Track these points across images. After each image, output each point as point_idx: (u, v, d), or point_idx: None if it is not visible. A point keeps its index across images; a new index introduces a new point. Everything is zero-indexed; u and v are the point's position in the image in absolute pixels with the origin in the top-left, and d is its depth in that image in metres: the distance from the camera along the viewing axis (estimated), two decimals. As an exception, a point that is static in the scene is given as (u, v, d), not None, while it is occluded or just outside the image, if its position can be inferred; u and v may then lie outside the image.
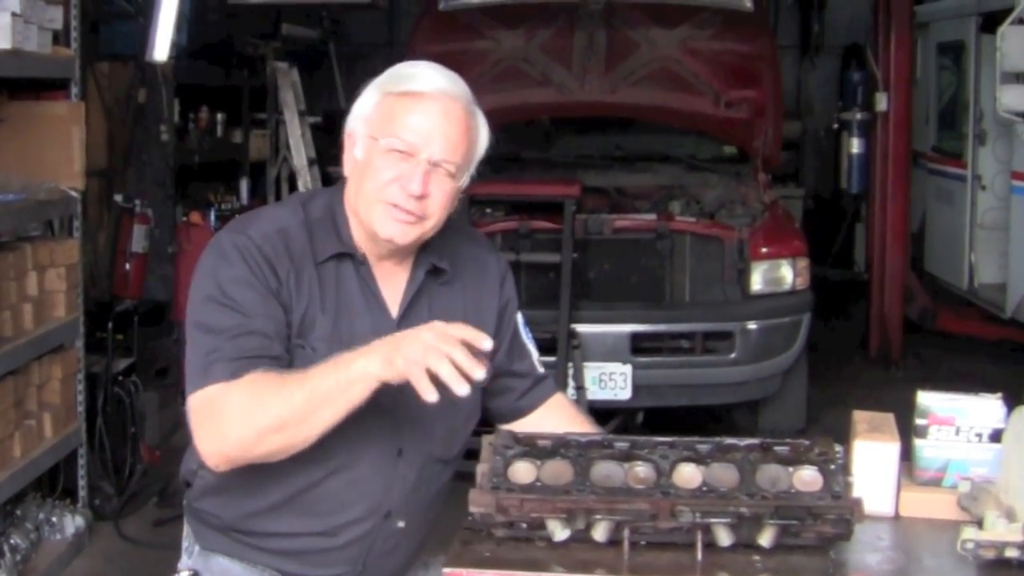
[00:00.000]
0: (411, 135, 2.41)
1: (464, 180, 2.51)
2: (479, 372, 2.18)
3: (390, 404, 2.49)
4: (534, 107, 8.12)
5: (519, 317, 2.75)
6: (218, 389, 2.34)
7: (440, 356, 2.16)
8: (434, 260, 2.56)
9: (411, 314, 2.53)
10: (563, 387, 5.75)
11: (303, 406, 2.27)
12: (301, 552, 2.56)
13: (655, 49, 7.97)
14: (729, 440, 2.41)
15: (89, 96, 6.43)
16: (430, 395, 2.16)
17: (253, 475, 2.44)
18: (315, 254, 2.47)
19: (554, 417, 2.75)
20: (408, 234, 2.46)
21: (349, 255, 2.50)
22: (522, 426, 2.72)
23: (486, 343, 2.23)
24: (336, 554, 2.56)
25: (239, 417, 2.31)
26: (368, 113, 2.47)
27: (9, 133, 5.52)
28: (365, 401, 2.27)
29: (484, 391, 2.67)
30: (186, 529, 2.69)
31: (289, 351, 2.43)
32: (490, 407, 2.75)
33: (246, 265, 2.41)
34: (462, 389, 2.16)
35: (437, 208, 2.45)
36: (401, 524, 2.59)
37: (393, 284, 2.54)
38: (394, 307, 2.53)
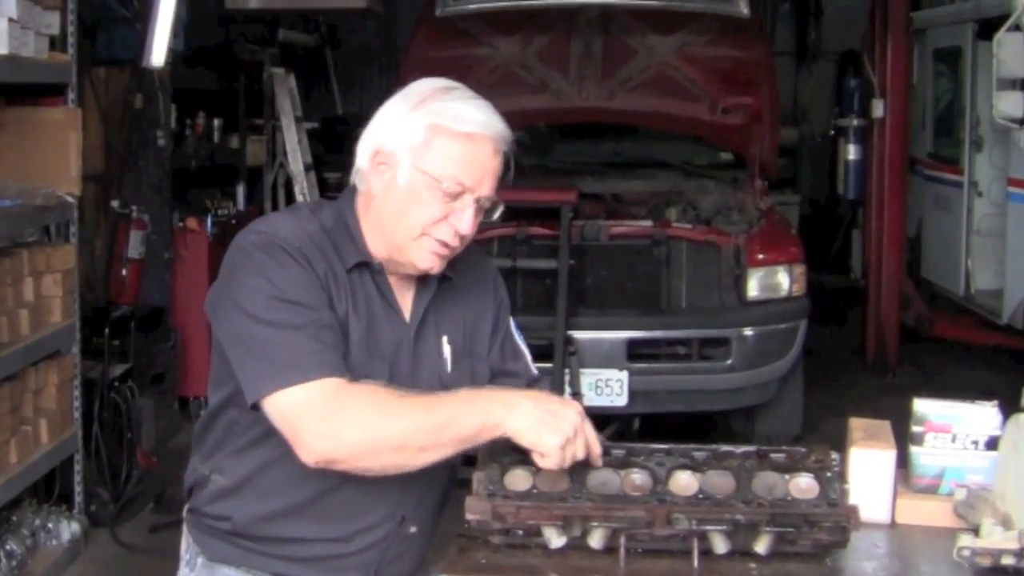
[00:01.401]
0: (469, 178, 2.41)
1: None
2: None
3: None
4: (531, 113, 8.12)
5: (510, 318, 2.76)
6: (330, 388, 2.31)
7: (582, 449, 2.30)
8: (444, 270, 2.57)
9: (424, 323, 2.56)
10: (559, 393, 5.75)
11: (431, 434, 2.30)
12: (314, 559, 2.54)
13: (652, 56, 7.98)
14: (725, 447, 2.41)
15: (86, 102, 6.42)
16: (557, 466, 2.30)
17: (270, 478, 2.46)
18: (343, 260, 2.48)
19: None
20: (443, 266, 2.49)
21: (367, 264, 2.50)
22: None
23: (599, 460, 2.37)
24: (350, 560, 2.55)
25: (361, 424, 2.30)
26: (415, 145, 2.42)
27: (6, 139, 5.52)
28: None
29: None
30: (186, 541, 2.66)
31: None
32: None
33: (294, 262, 2.40)
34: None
35: (469, 238, 2.49)
36: (413, 529, 2.59)
37: (403, 293, 2.55)
38: (407, 315, 2.54)
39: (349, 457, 2.32)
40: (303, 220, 2.51)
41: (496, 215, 2.51)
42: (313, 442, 2.31)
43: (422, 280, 2.55)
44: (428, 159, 2.41)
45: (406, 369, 2.51)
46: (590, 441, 2.32)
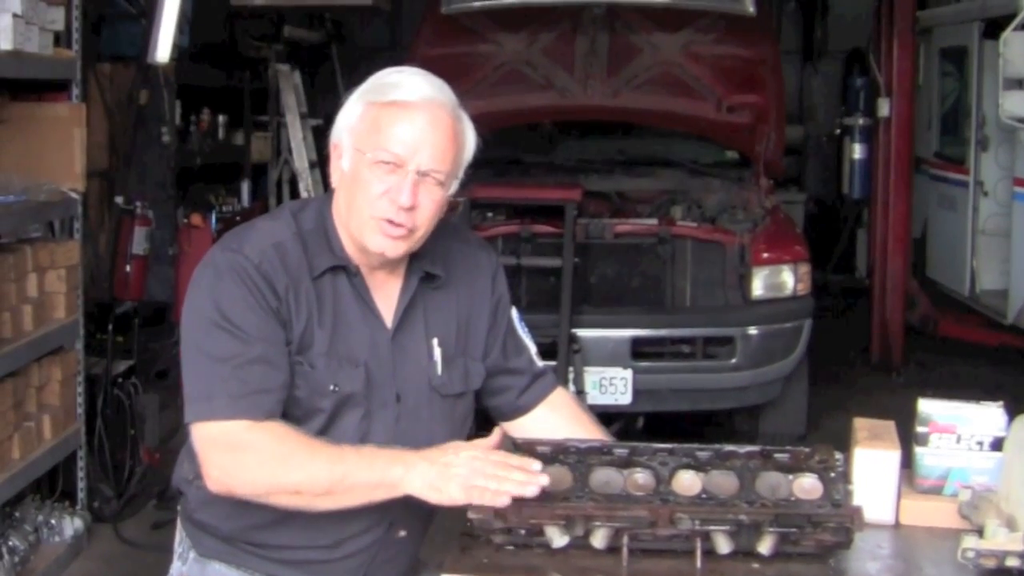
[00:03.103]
0: (398, 146, 2.38)
1: (453, 187, 2.48)
2: (532, 488, 2.25)
3: (392, 417, 2.48)
4: (536, 111, 8.12)
5: (513, 312, 2.73)
6: (238, 428, 2.34)
7: (500, 479, 2.24)
8: (427, 267, 2.54)
9: (406, 323, 2.53)
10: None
11: (326, 484, 2.31)
12: (303, 562, 2.55)
13: (657, 53, 7.97)
14: (729, 447, 2.40)
15: (90, 97, 6.42)
16: (503, 499, 2.23)
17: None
18: (311, 268, 2.45)
19: (556, 415, 2.74)
20: (398, 248, 2.44)
21: (343, 267, 2.48)
22: (525, 423, 2.72)
23: (535, 465, 2.29)
24: (338, 564, 2.55)
25: (260, 467, 2.34)
26: (353, 124, 2.43)
27: (10, 134, 5.52)
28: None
29: (482, 390, 2.67)
30: (180, 534, 2.67)
31: (290, 367, 2.42)
32: (490, 406, 2.74)
33: (244, 287, 2.39)
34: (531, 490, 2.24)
35: (426, 218, 2.43)
36: (403, 533, 2.59)
37: (387, 293, 2.52)
38: (388, 317, 2.52)
39: (246, 494, 2.37)
40: (280, 226, 2.49)
41: (453, 188, 2.47)
42: (214, 474, 2.38)
43: (406, 278, 2.53)
44: (360, 134, 2.41)
45: (387, 372, 2.49)
46: (512, 465, 2.28)
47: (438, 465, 2.27)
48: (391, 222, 2.40)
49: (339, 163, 2.46)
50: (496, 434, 2.39)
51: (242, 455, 2.34)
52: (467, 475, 2.25)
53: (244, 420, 2.35)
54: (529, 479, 2.25)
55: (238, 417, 2.35)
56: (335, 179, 2.48)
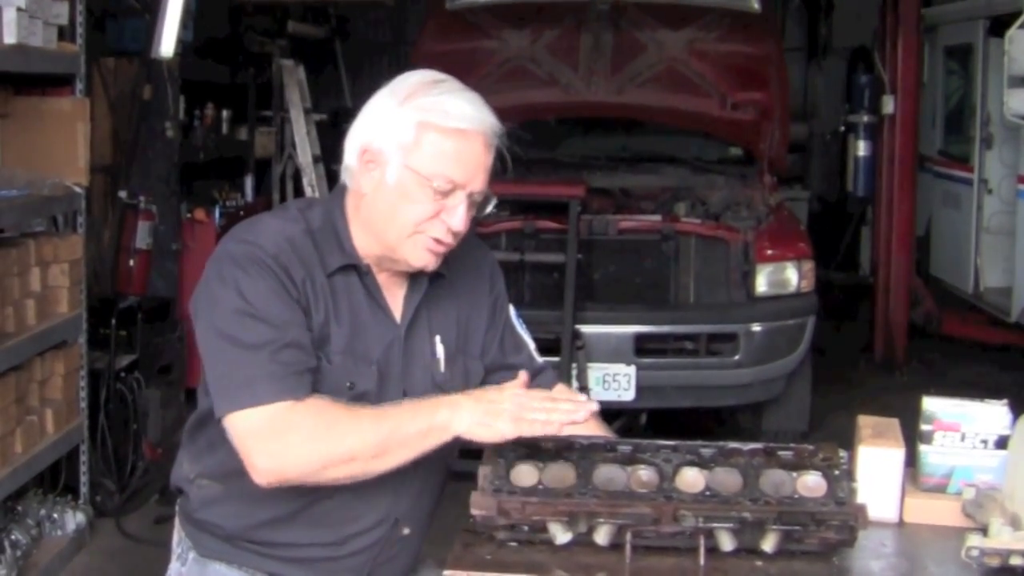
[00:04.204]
0: (460, 175, 2.39)
1: None
2: (582, 414, 2.30)
3: None
4: (540, 107, 8.11)
5: (511, 309, 2.73)
6: (281, 410, 2.32)
7: (548, 410, 2.28)
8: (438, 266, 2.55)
9: (414, 321, 2.53)
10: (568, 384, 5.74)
11: (376, 444, 2.31)
12: (307, 560, 2.54)
13: (662, 50, 7.96)
14: (733, 444, 2.40)
15: (94, 92, 6.42)
16: (554, 428, 2.28)
17: (261, 487, 2.40)
18: (323, 265, 2.45)
19: None
20: (436, 263, 2.47)
21: (354, 266, 2.48)
22: None
23: (580, 396, 2.35)
24: (343, 562, 2.55)
25: (308, 443, 2.31)
26: (405, 141, 2.39)
27: (14, 129, 5.52)
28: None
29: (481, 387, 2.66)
30: (178, 534, 2.65)
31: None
32: None
33: (268, 275, 2.38)
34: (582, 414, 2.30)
35: (463, 234, 2.46)
36: (407, 531, 2.58)
37: (393, 292, 2.53)
38: (398, 315, 2.52)
39: (300, 476, 2.34)
40: (288, 222, 2.48)
41: (489, 208, 2.48)
42: (262, 463, 2.33)
43: (414, 277, 2.52)
44: (418, 157, 2.38)
45: (397, 370, 2.49)
46: (550, 403, 2.31)
47: (483, 402, 2.30)
48: (439, 241, 2.42)
49: (376, 172, 2.42)
50: (522, 375, 2.41)
51: (287, 436, 2.31)
52: (514, 409, 2.27)
53: (288, 400, 2.32)
54: (577, 407, 2.28)
55: (282, 398, 2.32)
56: (366, 186, 2.43)
